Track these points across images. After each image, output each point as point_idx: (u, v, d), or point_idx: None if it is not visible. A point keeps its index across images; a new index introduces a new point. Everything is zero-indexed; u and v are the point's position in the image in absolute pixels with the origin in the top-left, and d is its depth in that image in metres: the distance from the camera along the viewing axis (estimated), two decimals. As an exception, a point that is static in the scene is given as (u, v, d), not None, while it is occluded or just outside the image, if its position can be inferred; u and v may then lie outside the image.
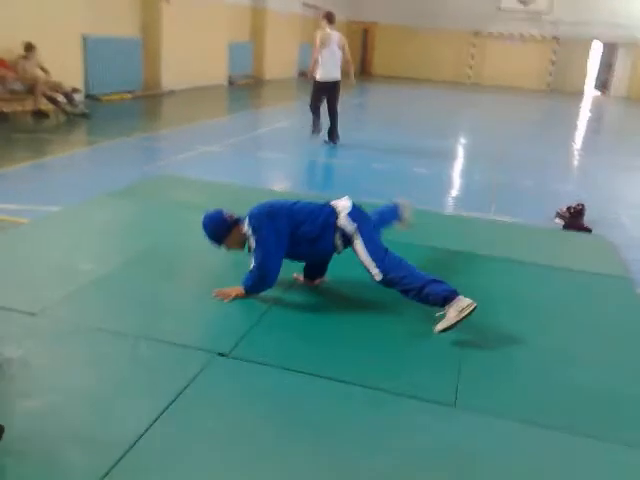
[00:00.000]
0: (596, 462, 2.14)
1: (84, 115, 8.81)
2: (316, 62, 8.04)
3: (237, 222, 3.12)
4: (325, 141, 8.35)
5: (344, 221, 3.06)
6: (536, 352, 2.85)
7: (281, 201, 3.20)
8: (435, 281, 2.97)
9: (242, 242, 3.14)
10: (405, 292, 3.02)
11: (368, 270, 3.04)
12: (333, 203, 3.17)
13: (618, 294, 3.65)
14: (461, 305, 2.84)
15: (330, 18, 8.04)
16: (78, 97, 9.22)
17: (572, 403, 2.46)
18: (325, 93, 8.19)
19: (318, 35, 8.08)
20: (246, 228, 3.04)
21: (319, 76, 8.08)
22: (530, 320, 3.19)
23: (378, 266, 3.01)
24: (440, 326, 2.85)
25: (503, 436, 2.22)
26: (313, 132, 8.47)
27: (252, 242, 3.05)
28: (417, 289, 2.96)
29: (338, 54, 8.07)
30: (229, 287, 3.16)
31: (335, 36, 8.08)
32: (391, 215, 3.67)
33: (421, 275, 3.01)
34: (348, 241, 3.09)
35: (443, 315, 2.88)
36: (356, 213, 3.11)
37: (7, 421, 1.99)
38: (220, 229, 3.11)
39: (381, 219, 3.52)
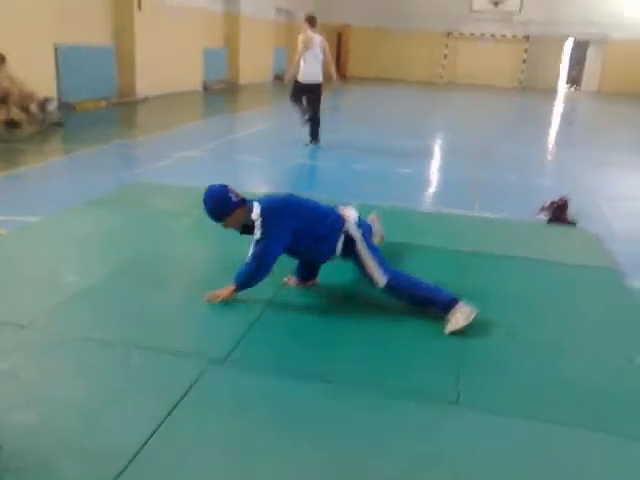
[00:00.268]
0: (598, 455, 2.13)
1: (58, 124, 8.65)
2: (297, 64, 8.06)
3: (243, 203, 3.04)
4: (306, 143, 8.32)
5: (352, 228, 3.05)
6: (530, 347, 2.84)
7: (295, 197, 3.18)
8: (437, 289, 2.99)
9: (242, 224, 3.07)
10: (408, 299, 3.02)
11: (371, 276, 3.02)
12: (341, 210, 3.16)
13: (607, 286, 3.67)
14: (466, 311, 2.88)
15: (312, 21, 8.13)
16: (52, 106, 9.04)
17: (570, 397, 2.46)
18: (305, 94, 8.20)
19: (300, 38, 8.11)
20: (256, 216, 2.96)
21: (301, 77, 8.10)
22: (522, 315, 3.19)
23: (384, 271, 3.00)
24: (451, 328, 2.87)
25: (508, 432, 2.20)
26: (304, 125, 8.42)
27: (258, 232, 2.97)
28: (420, 296, 2.99)
29: (320, 57, 8.12)
30: (219, 289, 3.10)
31: (317, 39, 8.14)
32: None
33: (423, 283, 3.04)
34: (349, 249, 3.06)
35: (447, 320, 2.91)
36: (360, 222, 3.13)
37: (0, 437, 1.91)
38: (223, 206, 3.03)
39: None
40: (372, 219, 3.79)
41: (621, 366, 2.71)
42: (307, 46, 7.99)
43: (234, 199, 3.02)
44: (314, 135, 8.32)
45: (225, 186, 3.08)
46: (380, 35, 23.83)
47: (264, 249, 2.97)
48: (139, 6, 12.08)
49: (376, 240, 3.56)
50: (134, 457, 1.94)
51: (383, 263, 3.06)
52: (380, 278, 3.00)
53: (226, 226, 3.11)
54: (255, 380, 2.43)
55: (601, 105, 18.99)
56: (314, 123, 8.30)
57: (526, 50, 23.04)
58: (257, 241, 2.99)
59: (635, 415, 2.36)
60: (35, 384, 2.34)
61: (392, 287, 3.01)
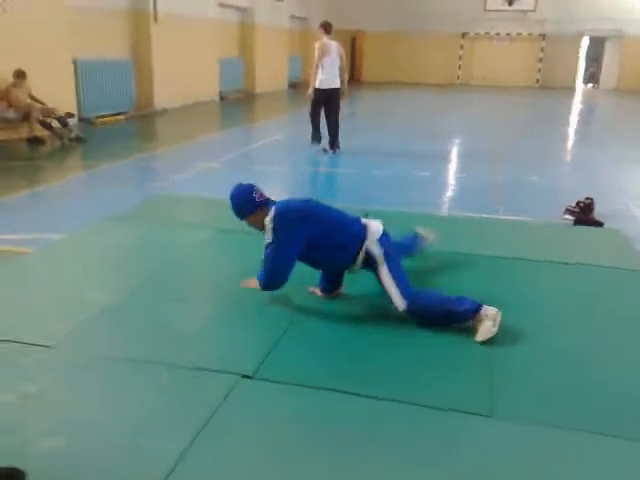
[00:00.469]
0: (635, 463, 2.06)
1: (79, 139, 8.74)
2: (316, 72, 8.10)
3: (265, 204, 3.04)
4: (325, 150, 8.32)
5: (372, 244, 2.99)
6: (561, 353, 2.78)
7: (314, 203, 3.14)
8: (459, 300, 2.91)
9: (262, 225, 3.05)
10: (430, 320, 2.95)
11: (391, 299, 2.97)
12: (364, 221, 3.10)
13: (638, 288, 3.58)
14: (492, 315, 2.81)
15: (327, 28, 8.17)
16: (72, 121, 9.16)
17: (607, 405, 2.38)
18: (325, 101, 8.23)
19: (317, 45, 8.15)
20: (268, 220, 2.96)
21: (319, 84, 8.13)
22: (553, 319, 3.13)
23: (403, 295, 2.94)
24: (481, 337, 2.80)
25: (544, 444, 2.14)
26: (313, 142, 8.45)
27: (268, 236, 2.97)
28: (442, 314, 2.93)
29: (337, 63, 8.16)
30: (252, 278, 3.19)
31: (334, 45, 8.19)
32: (411, 244, 3.67)
33: (444, 297, 2.96)
34: (371, 264, 3.02)
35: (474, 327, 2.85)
36: (385, 239, 3.05)
37: (27, 463, 1.90)
38: (245, 205, 3.06)
39: (400, 248, 3.41)
40: (424, 235, 3.73)
41: (660, 372, 2.63)
42: (325, 53, 8.03)
43: (257, 199, 3.04)
44: (334, 142, 8.32)
45: (251, 185, 3.11)
46: (394, 39, 23.79)
47: (272, 254, 2.97)
48: (155, 19, 12.20)
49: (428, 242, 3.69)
50: (166, 478, 1.92)
51: (403, 285, 2.97)
52: (399, 302, 2.94)
53: (249, 224, 3.13)
54: (285, 395, 2.40)
55: (620, 102, 18.71)
56: (334, 130, 8.29)
57: (542, 49, 22.84)
58: (266, 245, 2.99)
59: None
60: (63, 407, 2.32)
61: (412, 311, 2.95)
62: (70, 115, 9.12)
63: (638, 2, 21.08)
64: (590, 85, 23.78)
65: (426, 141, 9.89)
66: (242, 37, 17.34)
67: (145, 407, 2.32)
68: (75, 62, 10.23)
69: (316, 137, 8.46)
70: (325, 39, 8.13)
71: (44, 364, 2.60)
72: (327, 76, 8.08)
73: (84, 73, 10.49)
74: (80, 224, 4.64)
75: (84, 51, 10.46)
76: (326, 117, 8.33)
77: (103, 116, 10.89)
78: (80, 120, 10.26)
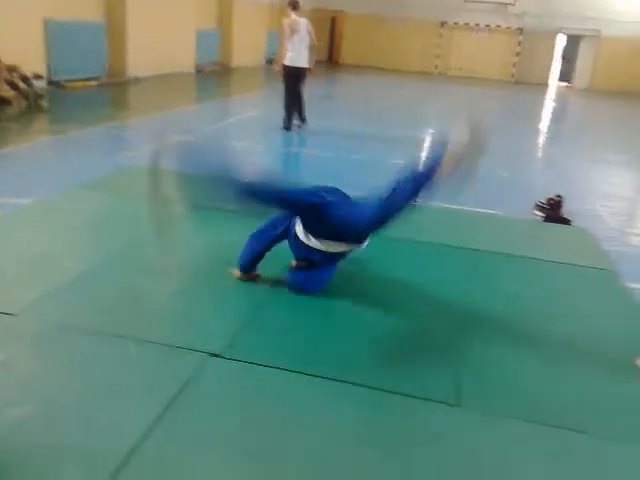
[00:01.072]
0: (596, 458, 2.13)
1: (40, 104, 8.37)
2: (285, 48, 8.04)
3: None
4: (297, 126, 8.34)
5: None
6: (528, 348, 2.84)
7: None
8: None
9: None
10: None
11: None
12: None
13: (604, 287, 3.68)
14: None
15: (295, 5, 8.12)
16: (40, 84, 8.85)
17: (569, 399, 2.45)
18: (296, 78, 8.19)
19: (286, 22, 8.07)
20: None
21: (289, 62, 8.08)
22: (520, 315, 3.18)
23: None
24: None
25: (509, 435, 2.19)
26: (285, 127, 8.40)
27: None
28: None
29: (307, 40, 8.12)
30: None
31: (303, 22, 8.14)
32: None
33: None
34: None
35: None
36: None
37: (-8, 432, 1.86)
38: None
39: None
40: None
41: (620, 368, 2.71)
42: (294, 30, 7.98)
43: None
44: (301, 116, 8.36)
45: None
46: (374, 22, 23.63)
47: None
48: (132, -17, 11.85)
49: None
50: (131, 453, 1.90)
51: None
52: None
53: None
54: (253, 374, 2.40)
55: (592, 102, 19.04)
56: (301, 105, 8.31)
57: (519, 43, 23.00)
58: None
59: (632, 418, 2.36)
60: (28, 377, 2.28)
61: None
62: (38, 77, 8.82)
63: (618, 3, 21.38)
64: (563, 83, 24.10)
65: (402, 127, 9.91)
66: (220, 9, 16.99)
67: (112, 381, 2.29)
68: (45, 22, 9.88)
69: (289, 124, 8.37)
70: (294, 16, 8.06)
71: (8, 332, 2.54)
72: (296, 54, 8.03)
73: (55, 34, 10.14)
74: (50, 190, 4.52)
75: (55, 11, 10.10)
76: (295, 93, 8.31)
77: (73, 80, 10.57)
78: (49, 83, 9.95)
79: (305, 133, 8.27)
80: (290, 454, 1.99)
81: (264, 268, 3.22)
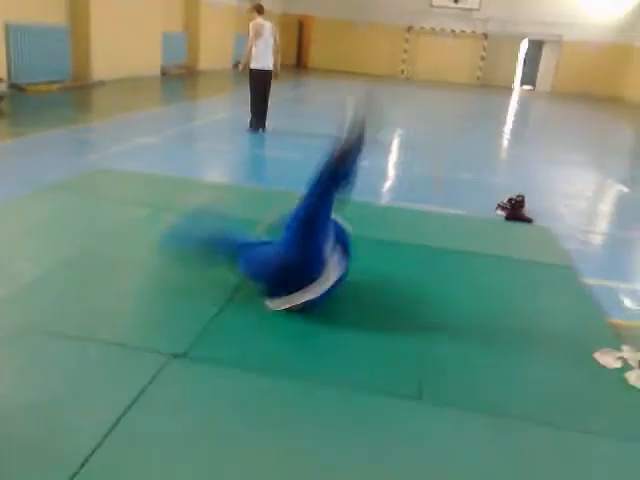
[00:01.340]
0: (554, 450, 2.17)
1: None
2: (249, 51, 8.11)
3: None
4: (252, 130, 8.36)
5: None
6: (487, 343, 2.88)
7: None
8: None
9: None
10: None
11: None
12: None
13: (563, 283, 3.76)
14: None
15: (260, 9, 8.24)
16: (0, 87, 8.67)
17: (528, 392, 2.50)
18: (261, 81, 8.23)
19: (251, 25, 8.14)
20: None
21: (254, 65, 8.15)
22: (479, 311, 3.23)
23: None
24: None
25: (468, 428, 2.22)
26: (251, 129, 8.41)
27: None
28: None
29: (271, 43, 8.21)
30: None
31: (268, 26, 8.22)
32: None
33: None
34: None
35: None
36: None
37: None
38: None
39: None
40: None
41: (577, 362, 2.77)
42: (259, 33, 8.06)
43: None
44: (261, 121, 8.39)
45: None
46: (342, 26, 23.77)
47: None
48: (95, -15, 11.69)
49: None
50: (90, 456, 1.87)
51: None
52: None
53: None
54: (216, 375, 2.39)
55: (554, 105, 19.46)
56: (264, 109, 8.34)
57: (484, 48, 23.40)
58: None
59: (595, 411, 2.42)
60: (-14, 379, 2.23)
61: None
62: (-1, 80, 8.63)
63: (579, 8, 21.90)
64: (526, 86, 24.57)
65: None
66: (187, 12, 16.88)
67: (71, 384, 2.26)
68: (7, 26, 9.71)
69: (255, 126, 8.39)
70: (259, 19, 8.14)
71: (-37, 337, 2.48)
72: (262, 57, 8.13)
73: (16, 38, 9.96)
74: (8, 194, 4.43)
75: (18, 15, 9.93)
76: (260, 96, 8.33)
77: (36, 84, 10.38)
78: (10, 86, 9.75)
79: (270, 135, 8.28)
80: (252, 455, 1.98)
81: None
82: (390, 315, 3.01)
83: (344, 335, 2.80)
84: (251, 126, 8.41)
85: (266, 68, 8.20)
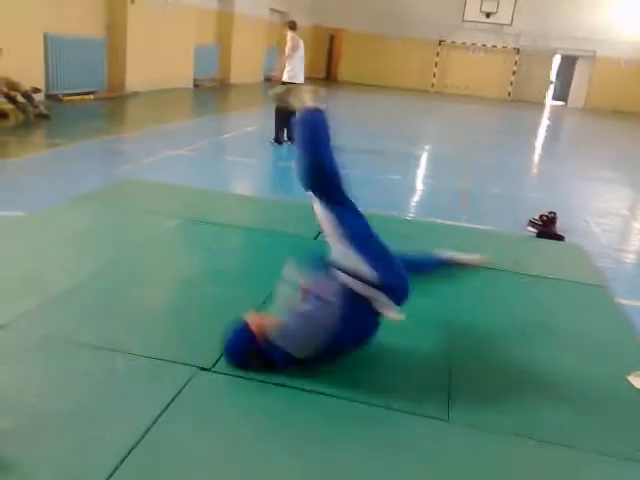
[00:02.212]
0: (592, 475, 2.11)
1: (43, 115, 8.49)
2: (286, 66, 8.32)
3: None
4: (274, 142, 8.44)
5: None
6: (519, 363, 2.82)
7: None
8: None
9: None
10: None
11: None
12: None
13: (596, 302, 3.67)
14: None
15: (293, 26, 8.54)
16: (38, 97, 8.90)
17: (561, 415, 2.43)
18: None
19: (291, 40, 8.35)
20: None
21: (289, 79, 8.26)
22: (512, 330, 3.17)
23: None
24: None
25: (497, 450, 2.17)
26: (275, 141, 8.49)
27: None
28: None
29: (303, 59, 8.52)
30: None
31: (301, 42, 8.53)
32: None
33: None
34: None
35: None
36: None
37: (-26, 446, 1.84)
38: None
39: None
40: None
41: (613, 384, 2.70)
42: (296, 47, 8.32)
43: None
44: (291, 134, 8.40)
45: None
46: (372, 40, 23.86)
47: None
48: (132, -1, 11.97)
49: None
50: (117, 467, 1.87)
51: None
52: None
53: None
54: (242, 389, 2.37)
55: (587, 121, 19.19)
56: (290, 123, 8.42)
57: (516, 62, 23.23)
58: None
59: (629, 434, 2.35)
60: (11, 389, 2.25)
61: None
62: (36, 90, 8.86)
63: (613, 23, 21.63)
64: (559, 102, 24.29)
65: (398, 144, 9.96)
66: (220, 25, 17.13)
67: (98, 395, 2.26)
68: (46, 37, 9.96)
69: (279, 137, 8.51)
70: (296, 36, 8.42)
71: (-6, 344, 2.52)
72: (296, 71, 8.35)
73: (54, 49, 10.23)
74: (43, 203, 4.52)
75: (56, 26, 10.20)
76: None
77: (72, 94, 10.63)
78: (47, 97, 10.00)
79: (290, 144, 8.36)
80: (279, 470, 1.96)
81: (256, 282, 3.19)
82: (417, 333, 2.97)
83: (369, 351, 2.77)
84: (277, 140, 8.49)
85: (298, 82, 8.28)
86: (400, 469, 2.02)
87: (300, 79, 8.33)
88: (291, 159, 7.88)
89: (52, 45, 10.15)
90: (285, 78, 8.29)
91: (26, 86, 8.53)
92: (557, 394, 2.59)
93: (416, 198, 6.53)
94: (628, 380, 2.73)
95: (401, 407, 2.34)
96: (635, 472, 2.14)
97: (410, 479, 1.98)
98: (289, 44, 8.32)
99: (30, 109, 8.45)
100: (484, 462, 2.10)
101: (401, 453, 2.10)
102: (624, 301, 3.76)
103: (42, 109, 8.54)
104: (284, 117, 8.40)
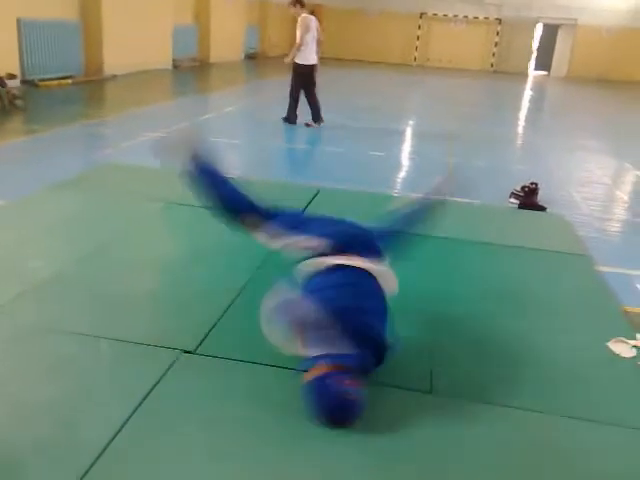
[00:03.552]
0: (572, 440, 2.15)
1: (18, 102, 8.27)
2: (299, 47, 8.05)
3: None
4: (307, 124, 8.33)
5: None
6: (500, 333, 2.86)
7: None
8: None
9: None
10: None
11: None
12: None
13: (578, 271, 3.71)
14: None
15: (302, 3, 8.16)
16: (14, 83, 8.72)
17: (544, 383, 2.47)
18: (307, 77, 8.20)
19: (302, 21, 8.07)
20: None
21: (302, 60, 8.11)
22: (494, 301, 3.20)
23: None
24: None
25: (482, 420, 2.21)
26: (288, 121, 8.39)
27: None
28: None
29: (316, 37, 8.18)
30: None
31: (314, 20, 8.21)
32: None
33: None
34: None
35: None
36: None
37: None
38: None
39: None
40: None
41: (593, 352, 2.74)
42: (309, 27, 8.04)
43: None
44: (317, 116, 8.37)
45: None
46: (352, 15, 23.60)
47: None
48: (106, -20, 11.71)
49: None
50: (103, 451, 1.89)
51: None
52: None
53: None
54: (225, 371, 2.38)
55: (570, 90, 19.19)
56: (317, 104, 8.35)
57: (498, 33, 23.10)
58: None
59: (609, 400, 2.39)
60: (1, 377, 2.26)
61: None
62: (12, 76, 8.69)
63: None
64: (541, 71, 24.24)
65: (381, 120, 9.91)
66: (197, 4, 16.85)
67: (83, 381, 2.27)
68: (19, 22, 9.76)
69: (292, 117, 8.41)
70: (304, 13, 8.11)
71: (-23, 334, 2.51)
72: (309, 53, 8.11)
73: (28, 34, 10.03)
74: (23, 190, 4.47)
75: (29, 11, 9.98)
76: (307, 93, 8.30)
77: (48, 79, 10.44)
78: (23, 82, 9.81)
79: (317, 127, 8.29)
80: (264, 451, 1.98)
81: (237, 265, 3.19)
82: (401, 307, 2.99)
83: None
84: (288, 119, 8.38)
85: (312, 62, 8.18)
86: (387, 443, 2.05)
87: (311, 60, 8.12)
88: (273, 138, 7.84)
89: (26, 30, 9.94)
90: (299, 60, 8.11)
91: (0, 72, 8.36)
92: (538, 362, 2.63)
93: (401, 175, 6.52)
94: (608, 346, 2.78)
95: (385, 381, 2.37)
96: (616, 437, 2.18)
97: (397, 452, 2.02)
98: (301, 25, 8.03)
99: (4, 95, 8.27)
100: (467, 431, 2.14)
101: (388, 426, 2.13)
102: (606, 268, 3.80)
103: (18, 101, 8.30)
104: (297, 97, 8.30)
